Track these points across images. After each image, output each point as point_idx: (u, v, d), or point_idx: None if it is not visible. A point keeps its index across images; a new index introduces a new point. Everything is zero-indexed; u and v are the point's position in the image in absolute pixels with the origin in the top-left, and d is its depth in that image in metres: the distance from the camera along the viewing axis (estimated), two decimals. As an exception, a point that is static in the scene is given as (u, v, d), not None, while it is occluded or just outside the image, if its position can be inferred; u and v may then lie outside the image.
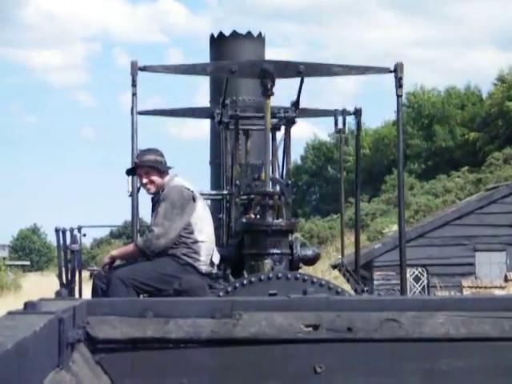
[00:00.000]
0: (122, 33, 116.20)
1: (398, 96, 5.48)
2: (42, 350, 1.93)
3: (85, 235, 6.61)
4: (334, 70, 5.79)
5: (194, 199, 5.09)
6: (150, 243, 4.93)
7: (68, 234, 6.07)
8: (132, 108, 5.44)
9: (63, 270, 5.89)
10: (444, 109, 45.18)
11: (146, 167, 5.11)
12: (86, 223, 7.54)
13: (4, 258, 52.20)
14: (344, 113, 6.53)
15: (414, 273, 18.06)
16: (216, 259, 5.21)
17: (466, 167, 36.90)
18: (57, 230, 6.00)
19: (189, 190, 5.11)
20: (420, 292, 18.06)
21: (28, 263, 62.25)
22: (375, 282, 17.54)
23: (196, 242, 5.04)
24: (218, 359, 2.43)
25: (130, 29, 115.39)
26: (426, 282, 18.18)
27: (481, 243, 18.39)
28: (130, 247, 5.08)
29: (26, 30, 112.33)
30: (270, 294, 4.34)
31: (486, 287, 17.73)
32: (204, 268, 5.09)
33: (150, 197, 5.28)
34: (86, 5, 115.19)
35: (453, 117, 44.51)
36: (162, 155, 5.20)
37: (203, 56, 8.75)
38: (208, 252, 5.11)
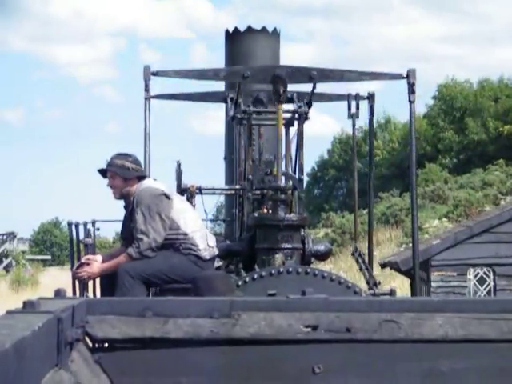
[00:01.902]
0: (148, 28, 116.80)
1: (411, 102, 5.48)
2: (40, 349, 1.94)
3: (98, 229, 6.66)
4: (347, 76, 5.86)
5: (166, 196, 5.08)
6: (144, 252, 4.96)
7: (81, 228, 6.11)
8: (145, 112, 5.47)
9: (75, 263, 5.92)
10: (477, 101, 44.47)
11: (111, 171, 5.11)
12: (107, 218, 7.61)
13: (23, 252, 52.13)
14: (357, 97, 6.57)
15: (478, 273, 15.47)
16: (211, 242, 5.21)
17: (502, 160, 36.16)
18: (69, 224, 6.03)
19: (158, 189, 5.10)
20: (485, 295, 15.33)
21: (49, 257, 62.21)
22: (433, 284, 15.12)
23: (186, 234, 5.06)
24: (217, 359, 2.44)
25: (155, 24, 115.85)
26: (492, 284, 15.58)
27: (557, 240, 15.64)
28: (123, 259, 5.04)
29: (53, 25, 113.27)
30: (270, 295, 4.35)
31: (562, 291, 15.05)
32: (205, 254, 5.11)
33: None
34: (112, 0, 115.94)
35: (486, 109, 43.82)
36: (134, 162, 5.13)
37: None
38: (202, 239, 5.12)
